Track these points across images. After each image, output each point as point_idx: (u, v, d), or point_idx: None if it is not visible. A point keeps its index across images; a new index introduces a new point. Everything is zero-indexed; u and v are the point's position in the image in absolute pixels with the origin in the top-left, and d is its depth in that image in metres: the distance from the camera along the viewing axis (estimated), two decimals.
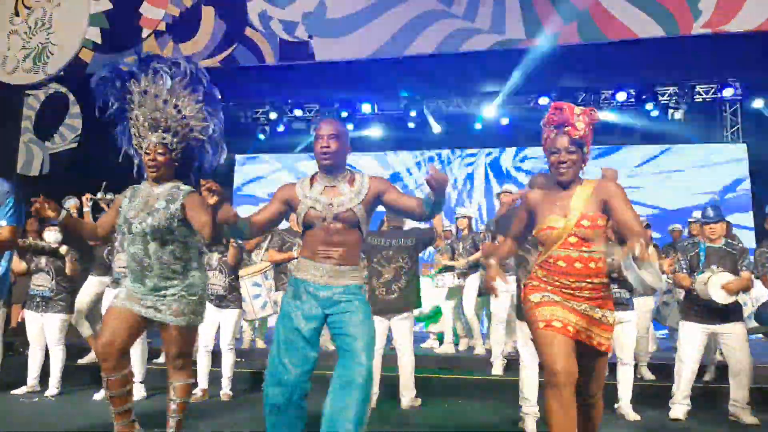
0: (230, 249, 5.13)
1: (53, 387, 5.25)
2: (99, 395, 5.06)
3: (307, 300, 2.88)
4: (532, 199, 2.88)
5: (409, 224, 5.25)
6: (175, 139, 3.14)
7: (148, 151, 3.16)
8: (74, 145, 8.00)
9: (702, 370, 5.61)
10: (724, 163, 9.94)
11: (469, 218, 7.25)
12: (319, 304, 2.87)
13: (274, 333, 2.93)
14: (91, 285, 5.89)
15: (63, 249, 5.37)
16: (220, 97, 3.32)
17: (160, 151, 3.13)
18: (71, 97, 8.08)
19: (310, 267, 2.90)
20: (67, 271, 5.37)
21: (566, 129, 2.70)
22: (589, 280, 2.68)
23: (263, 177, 11.28)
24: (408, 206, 2.94)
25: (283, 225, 6.37)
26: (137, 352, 4.97)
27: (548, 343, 2.61)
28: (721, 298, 4.42)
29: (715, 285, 4.42)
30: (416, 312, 5.54)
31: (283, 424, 2.82)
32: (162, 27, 7.97)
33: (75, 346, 6.10)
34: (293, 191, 2.98)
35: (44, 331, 5.37)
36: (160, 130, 3.14)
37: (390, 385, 4.97)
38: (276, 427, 2.83)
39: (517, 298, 4.41)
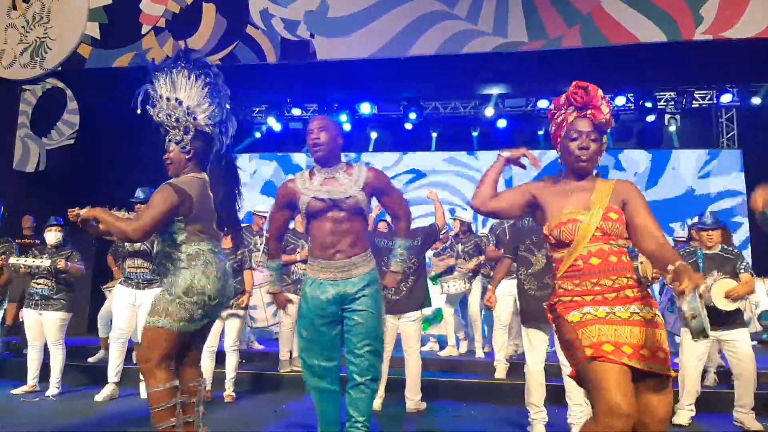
0: (246, 275, 5.18)
1: (53, 387, 5.19)
2: (100, 396, 5.01)
3: (323, 299, 2.98)
4: (536, 189, 2.43)
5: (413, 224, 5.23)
6: (180, 132, 3.05)
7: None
8: (71, 141, 7.88)
9: (703, 374, 5.64)
10: (720, 168, 10.01)
11: (464, 222, 7.18)
12: (334, 301, 2.97)
13: (297, 335, 3.10)
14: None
15: (61, 263, 5.23)
16: (216, 72, 3.18)
17: (170, 148, 3.08)
18: (69, 93, 7.95)
19: (323, 265, 3.00)
20: (73, 269, 5.28)
21: (590, 112, 2.32)
22: (628, 275, 2.22)
23: (259, 176, 11.22)
24: (396, 215, 3.31)
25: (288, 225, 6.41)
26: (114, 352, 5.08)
27: (605, 380, 2.05)
28: (724, 304, 4.43)
29: (719, 292, 4.44)
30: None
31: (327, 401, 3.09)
32: (162, 23, 7.88)
33: (75, 345, 6.05)
34: (293, 187, 3.09)
35: (43, 330, 5.30)
36: (171, 129, 3.09)
37: (394, 390, 4.96)
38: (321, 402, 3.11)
39: (520, 302, 4.38)
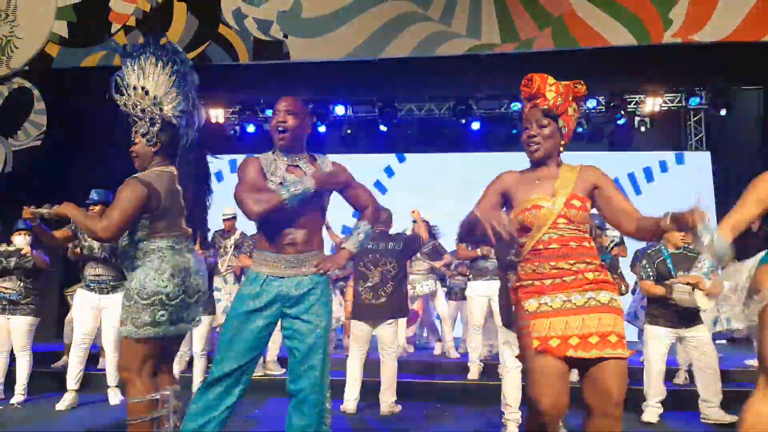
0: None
1: (19, 394, 5.07)
2: (61, 404, 4.89)
3: (262, 295, 2.66)
4: (506, 180, 2.52)
5: (395, 229, 5.24)
6: (146, 123, 2.90)
7: None
8: (38, 142, 7.72)
9: (673, 373, 5.73)
10: (688, 170, 10.18)
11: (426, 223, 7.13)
12: (275, 299, 2.66)
13: (222, 327, 2.74)
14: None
15: (27, 251, 5.14)
16: (184, 58, 3.03)
17: (135, 140, 2.93)
18: (36, 93, 7.79)
19: (270, 258, 2.70)
20: (38, 260, 5.16)
21: (538, 101, 2.41)
22: (588, 260, 2.34)
23: (230, 178, 11.09)
24: (362, 205, 2.91)
25: (254, 230, 6.35)
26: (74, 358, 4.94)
27: (538, 373, 2.24)
28: (706, 304, 4.47)
29: (701, 292, 4.47)
30: None
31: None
32: (132, 22, 7.75)
33: (42, 351, 5.92)
34: (260, 167, 2.74)
35: (10, 336, 5.18)
36: (137, 120, 2.92)
37: (369, 393, 4.94)
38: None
39: (503, 302, 4.37)
